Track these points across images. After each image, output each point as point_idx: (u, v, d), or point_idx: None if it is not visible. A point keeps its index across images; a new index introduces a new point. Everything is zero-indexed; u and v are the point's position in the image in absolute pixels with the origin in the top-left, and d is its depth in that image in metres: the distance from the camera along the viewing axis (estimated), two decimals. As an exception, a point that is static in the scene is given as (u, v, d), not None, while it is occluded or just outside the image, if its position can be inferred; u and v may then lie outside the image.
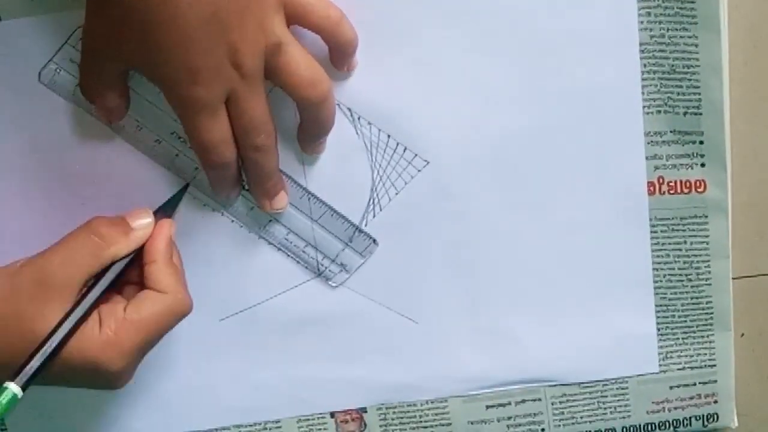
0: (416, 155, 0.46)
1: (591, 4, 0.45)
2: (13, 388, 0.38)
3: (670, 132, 0.47)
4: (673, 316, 0.50)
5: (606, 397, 0.51)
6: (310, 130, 0.44)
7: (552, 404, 0.51)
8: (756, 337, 0.53)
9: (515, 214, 0.48)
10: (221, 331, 0.49)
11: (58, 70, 0.43)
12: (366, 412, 0.51)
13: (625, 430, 0.52)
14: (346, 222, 0.47)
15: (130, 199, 0.46)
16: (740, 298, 0.51)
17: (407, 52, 0.45)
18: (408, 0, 0.44)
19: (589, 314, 0.50)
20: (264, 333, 0.49)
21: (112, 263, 0.41)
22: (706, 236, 0.49)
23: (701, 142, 0.47)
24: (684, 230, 0.49)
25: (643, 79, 0.46)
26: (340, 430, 0.51)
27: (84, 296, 0.40)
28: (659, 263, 0.49)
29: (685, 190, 0.48)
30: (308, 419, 0.51)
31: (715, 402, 0.52)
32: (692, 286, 0.50)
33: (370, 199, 0.47)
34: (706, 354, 0.51)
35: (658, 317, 0.50)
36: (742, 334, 0.53)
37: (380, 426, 0.51)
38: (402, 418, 0.51)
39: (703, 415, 0.52)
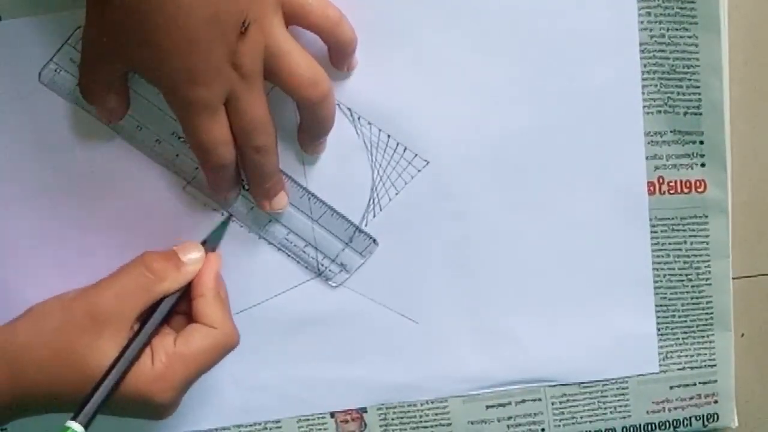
0: (416, 155, 0.46)
1: (591, 4, 0.45)
2: (76, 427, 0.39)
3: (670, 132, 0.47)
4: (673, 316, 0.50)
5: (606, 397, 0.51)
6: (310, 130, 0.44)
7: (552, 404, 0.51)
8: (756, 337, 0.53)
9: (515, 214, 0.48)
10: (221, 331, 0.49)
11: (58, 70, 0.43)
12: (366, 412, 0.51)
13: (625, 430, 0.52)
14: (346, 222, 0.47)
15: (131, 199, 0.46)
16: (740, 298, 0.51)
17: (407, 52, 0.45)
18: (408, 0, 0.44)
19: (589, 314, 0.50)
20: (264, 333, 0.49)
21: (163, 297, 0.42)
22: (706, 236, 0.49)
23: (701, 142, 0.47)
24: (684, 230, 0.49)
25: (643, 79, 0.46)
26: (340, 430, 0.51)
27: (138, 332, 0.41)
28: (659, 263, 0.49)
29: (685, 190, 0.48)
30: (308, 419, 0.51)
31: (715, 402, 0.52)
32: (692, 286, 0.50)
33: (370, 199, 0.47)
34: (706, 354, 0.51)
35: (658, 317, 0.50)
36: (742, 334, 0.53)
37: (380, 426, 0.51)
38: (402, 418, 0.51)
39: (703, 415, 0.52)
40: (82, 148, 0.45)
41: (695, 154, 0.48)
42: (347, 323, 0.49)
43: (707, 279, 0.50)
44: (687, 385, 0.52)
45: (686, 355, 0.51)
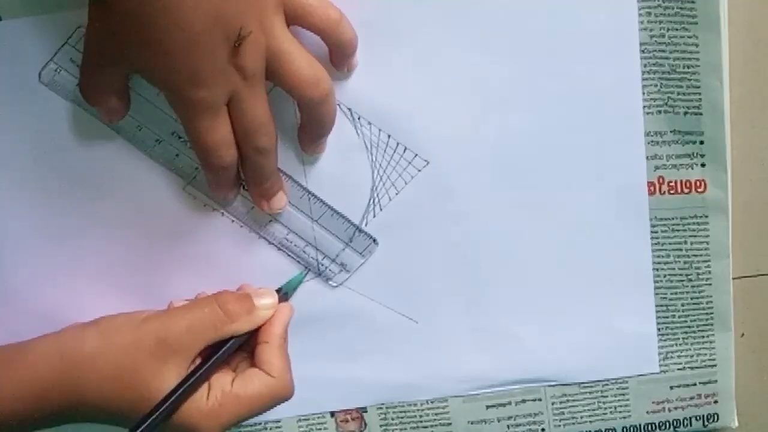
0: (416, 155, 0.46)
1: (591, 4, 0.45)
2: None
3: (671, 132, 0.47)
4: (674, 316, 0.50)
5: (606, 397, 0.51)
6: (311, 130, 0.44)
7: (552, 404, 0.51)
8: (756, 337, 0.53)
9: (515, 214, 0.48)
10: (221, 331, 0.49)
11: (58, 70, 0.43)
12: (366, 411, 0.51)
13: (625, 430, 0.52)
14: (346, 222, 0.47)
15: (131, 198, 0.46)
16: (740, 298, 0.51)
17: (407, 52, 0.45)
18: (408, 0, 0.44)
19: (589, 314, 0.50)
20: (264, 333, 0.49)
21: (231, 337, 0.43)
22: (707, 236, 0.49)
23: (701, 142, 0.47)
24: (684, 230, 0.49)
25: (643, 79, 0.46)
26: (340, 430, 0.51)
27: (200, 366, 0.42)
28: (659, 263, 0.49)
29: (686, 190, 0.48)
30: (308, 419, 0.51)
31: (716, 402, 0.52)
32: (692, 286, 0.50)
33: (370, 199, 0.47)
34: (706, 354, 0.51)
35: (658, 317, 0.50)
36: (742, 334, 0.53)
37: (380, 426, 0.51)
38: (402, 417, 0.51)
39: (703, 415, 0.52)
40: (82, 149, 0.45)
41: (695, 154, 0.48)
42: (347, 323, 0.49)
43: (707, 279, 0.50)
44: (687, 385, 0.52)
45: (686, 355, 0.51)
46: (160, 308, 0.45)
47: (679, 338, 0.51)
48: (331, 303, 0.49)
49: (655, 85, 0.46)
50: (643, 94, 0.46)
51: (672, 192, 0.48)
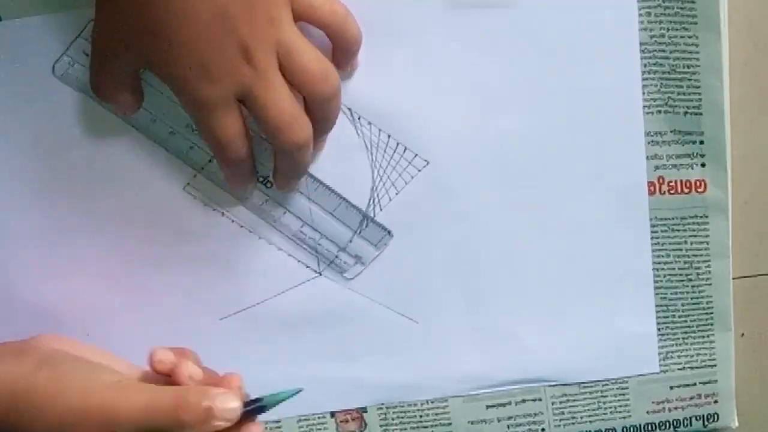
0: (416, 155, 0.46)
1: (591, 4, 0.45)
2: None
3: (671, 132, 0.47)
4: (674, 316, 0.50)
5: (606, 397, 0.51)
6: (317, 126, 0.43)
7: (552, 404, 0.51)
8: (756, 337, 0.53)
9: (515, 214, 0.48)
10: (221, 330, 0.49)
11: (71, 63, 0.43)
12: (366, 411, 0.51)
13: (625, 430, 0.52)
14: (356, 211, 0.47)
15: (130, 198, 0.46)
16: (740, 298, 0.51)
17: (407, 52, 0.45)
18: (408, 0, 0.44)
19: (589, 314, 0.50)
20: (264, 332, 0.49)
21: None
22: (706, 236, 0.49)
23: (701, 142, 0.47)
24: (684, 230, 0.49)
25: (643, 79, 0.46)
26: (340, 430, 0.51)
27: None
28: (659, 263, 0.49)
29: (686, 190, 0.48)
30: (308, 419, 0.51)
31: (716, 402, 0.52)
32: (692, 286, 0.50)
33: (370, 199, 0.47)
34: (706, 354, 0.51)
35: (658, 317, 0.50)
36: (742, 334, 0.53)
37: (380, 426, 0.51)
38: (402, 417, 0.51)
39: (703, 415, 0.52)
40: (81, 148, 0.45)
41: (695, 154, 0.48)
42: (347, 323, 0.49)
43: (707, 279, 0.50)
44: (687, 385, 0.52)
45: (686, 355, 0.51)
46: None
47: (679, 338, 0.51)
48: (332, 303, 0.49)
49: (655, 85, 0.46)
50: (643, 94, 0.46)
51: (672, 192, 0.48)
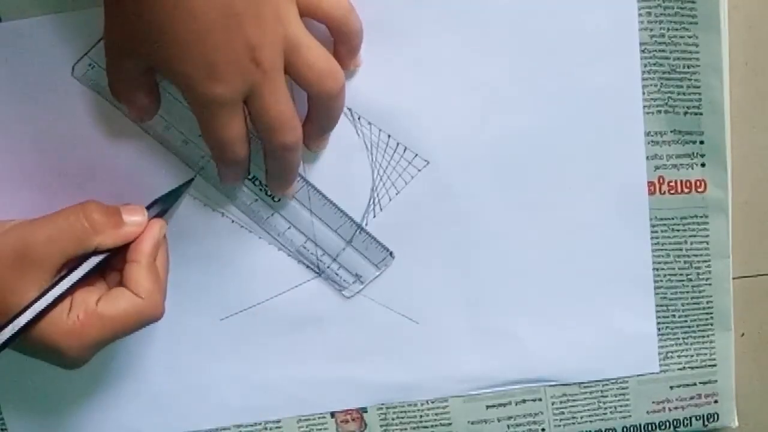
0: (416, 155, 0.46)
1: (591, 4, 0.45)
2: None
3: (671, 132, 0.47)
4: (674, 316, 0.50)
5: (606, 397, 0.51)
6: (320, 124, 0.43)
7: (552, 404, 0.51)
8: (756, 337, 0.53)
9: (515, 214, 0.48)
10: (221, 331, 0.49)
11: (92, 65, 0.43)
12: (366, 411, 0.51)
13: (625, 430, 0.52)
14: (349, 221, 0.47)
15: (130, 199, 0.46)
16: (740, 298, 0.51)
17: (407, 52, 0.45)
18: (408, 0, 0.44)
19: (589, 314, 0.50)
20: (264, 333, 0.49)
21: (95, 252, 0.41)
22: (707, 236, 0.49)
23: (701, 142, 0.47)
24: (684, 230, 0.49)
25: (643, 79, 0.46)
26: (340, 430, 0.51)
27: (60, 280, 0.40)
28: (659, 263, 0.49)
29: (686, 190, 0.48)
30: (308, 419, 0.51)
31: (716, 402, 0.52)
32: (692, 286, 0.50)
33: (370, 199, 0.47)
34: (706, 354, 0.51)
35: (658, 317, 0.50)
36: (742, 334, 0.53)
37: (380, 426, 0.51)
38: (402, 417, 0.51)
39: (703, 415, 0.52)
40: (82, 149, 0.45)
41: (695, 154, 0.48)
42: (347, 323, 0.49)
43: (707, 279, 0.50)
44: (687, 385, 0.52)
45: (686, 355, 0.51)
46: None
47: (679, 338, 0.51)
48: (331, 303, 0.49)
49: (655, 85, 0.46)
50: (643, 94, 0.46)
51: (672, 192, 0.48)
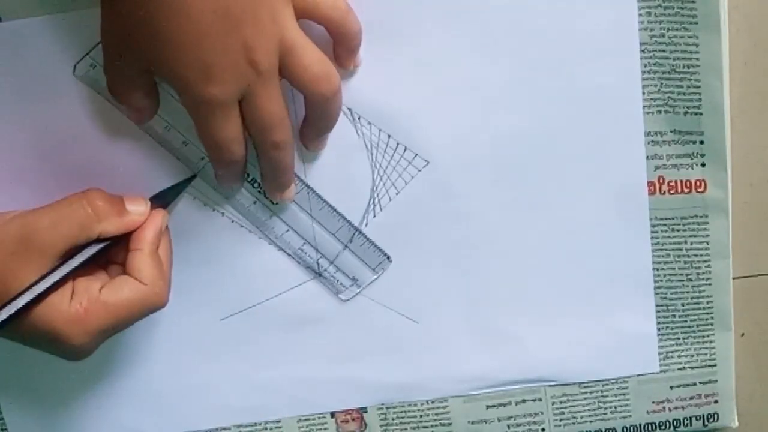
0: (416, 155, 0.46)
1: (591, 4, 0.45)
2: None
3: (671, 132, 0.47)
4: (674, 316, 0.50)
5: (606, 397, 0.51)
6: (317, 126, 0.44)
7: (552, 404, 0.51)
8: (756, 337, 0.53)
9: (515, 214, 0.48)
10: (221, 331, 0.49)
11: (93, 65, 0.43)
12: (366, 411, 0.51)
13: (625, 430, 0.52)
14: (347, 224, 0.47)
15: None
16: (740, 298, 0.51)
17: (407, 52, 0.45)
18: (408, 0, 0.44)
19: (589, 314, 0.50)
20: (264, 333, 0.49)
21: (98, 240, 0.41)
22: (707, 236, 0.49)
23: (701, 142, 0.47)
24: (684, 230, 0.49)
25: (643, 79, 0.46)
26: (340, 430, 0.51)
27: (60, 265, 0.40)
28: (659, 263, 0.49)
29: (686, 190, 0.48)
30: (308, 419, 0.51)
31: (716, 402, 0.52)
32: (692, 286, 0.50)
33: (370, 199, 0.47)
34: (706, 354, 0.51)
35: (658, 317, 0.50)
36: (743, 334, 0.53)
37: (381, 426, 0.51)
38: (402, 417, 0.51)
39: (703, 415, 0.52)
40: (82, 149, 0.45)
41: (695, 154, 0.48)
42: (347, 323, 0.49)
43: (707, 279, 0.50)
44: (687, 385, 0.52)
45: (686, 355, 0.51)
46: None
47: (679, 338, 0.51)
48: (331, 303, 0.49)
49: (655, 85, 0.46)
50: (643, 94, 0.46)
51: (672, 192, 0.48)
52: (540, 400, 0.51)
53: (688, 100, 0.46)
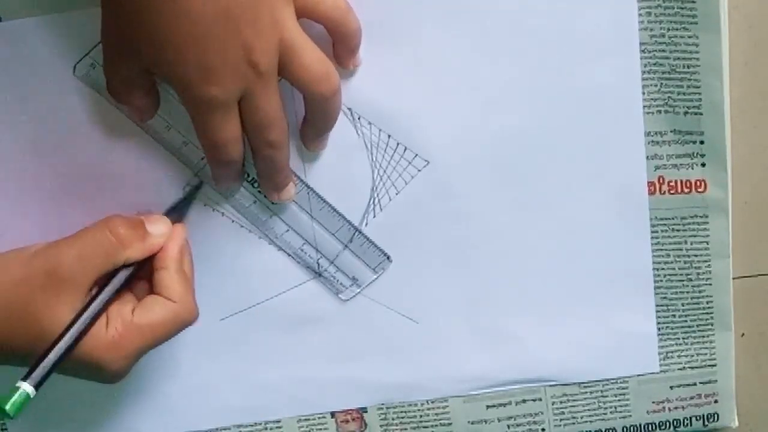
0: (416, 155, 0.46)
1: (591, 4, 0.45)
2: (27, 388, 0.38)
3: (671, 132, 0.47)
4: (674, 315, 0.50)
5: (606, 397, 0.51)
6: (316, 126, 0.44)
7: (552, 404, 0.51)
8: (756, 337, 0.53)
9: (515, 214, 0.48)
10: (221, 331, 0.49)
11: (93, 65, 0.43)
12: (366, 411, 0.51)
13: (625, 430, 0.52)
14: (347, 224, 0.47)
15: (130, 200, 0.46)
16: (740, 298, 0.51)
17: (407, 52, 0.45)
18: (408, 0, 0.44)
19: (589, 314, 0.50)
20: (264, 333, 0.49)
21: (124, 265, 0.41)
22: (707, 236, 0.49)
23: (701, 142, 0.47)
24: (684, 230, 0.49)
25: (643, 79, 0.46)
26: (340, 430, 0.51)
27: (95, 297, 0.40)
28: (659, 263, 0.49)
29: (686, 190, 0.48)
30: (308, 419, 0.51)
31: (716, 402, 0.52)
32: (692, 286, 0.50)
33: (370, 199, 0.47)
34: (706, 354, 0.51)
35: (658, 317, 0.50)
36: (743, 334, 0.53)
37: (381, 426, 0.51)
38: (402, 417, 0.51)
39: (703, 415, 0.52)
40: (82, 149, 0.45)
41: (695, 154, 0.48)
42: (347, 323, 0.49)
43: (707, 279, 0.50)
44: (687, 385, 0.52)
45: (686, 355, 0.51)
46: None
47: (679, 338, 0.51)
48: (331, 303, 0.49)
49: (655, 85, 0.46)
50: (643, 94, 0.46)
51: (672, 192, 0.48)
52: (540, 400, 0.51)
53: (688, 100, 0.46)
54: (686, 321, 0.50)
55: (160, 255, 0.42)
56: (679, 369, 0.51)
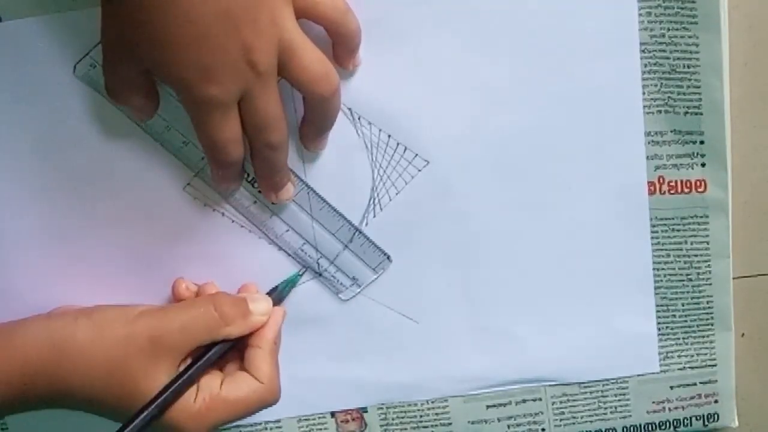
0: (416, 155, 0.46)
1: (591, 5, 0.45)
2: None
3: (671, 132, 0.47)
4: (674, 316, 0.50)
5: (606, 397, 0.51)
6: (316, 125, 0.44)
7: (552, 404, 0.52)
8: (756, 337, 0.53)
9: (515, 214, 0.48)
10: (221, 331, 0.49)
11: (93, 65, 0.43)
12: (366, 411, 0.51)
13: (625, 430, 0.52)
14: (348, 224, 0.47)
15: (130, 198, 0.46)
16: (740, 298, 0.51)
17: (407, 52, 0.45)
18: (408, 0, 0.44)
19: (589, 314, 0.50)
20: (264, 333, 0.49)
21: (223, 340, 0.43)
22: (707, 236, 0.49)
23: (702, 142, 0.47)
24: (684, 230, 0.49)
25: (643, 79, 0.46)
26: (340, 430, 0.51)
27: (190, 367, 0.42)
28: (659, 263, 0.49)
29: (686, 190, 0.48)
30: (308, 419, 0.51)
31: (716, 402, 0.52)
32: (693, 286, 0.50)
33: (370, 199, 0.47)
34: (706, 354, 0.51)
35: (658, 317, 0.50)
36: (743, 334, 0.53)
37: (381, 426, 0.51)
38: (402, 417, 0.51)
39: (703, 415, 0.52)
40: (82, 149, 0.45)
41: (695, 154, 0.48)
42: (347, 323, 0.49)
43: (707, 279, 0.50)
44: (687, 385, 0.52)
45: (686, 355, 0.51)
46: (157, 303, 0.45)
47: (679, 338, 0.51)
48: (331, 303, 0.49)
49: (655, 85, 0.46)
50: (643, 94, 0.46)
51: (672, 192, 0.48)
52: (540, 400, 0.51)
53: (688, 100, 0.46)
54: (686, 321, 0.50)
55: (257, 333, 0.44)
56: (679, 369, 0.51)
